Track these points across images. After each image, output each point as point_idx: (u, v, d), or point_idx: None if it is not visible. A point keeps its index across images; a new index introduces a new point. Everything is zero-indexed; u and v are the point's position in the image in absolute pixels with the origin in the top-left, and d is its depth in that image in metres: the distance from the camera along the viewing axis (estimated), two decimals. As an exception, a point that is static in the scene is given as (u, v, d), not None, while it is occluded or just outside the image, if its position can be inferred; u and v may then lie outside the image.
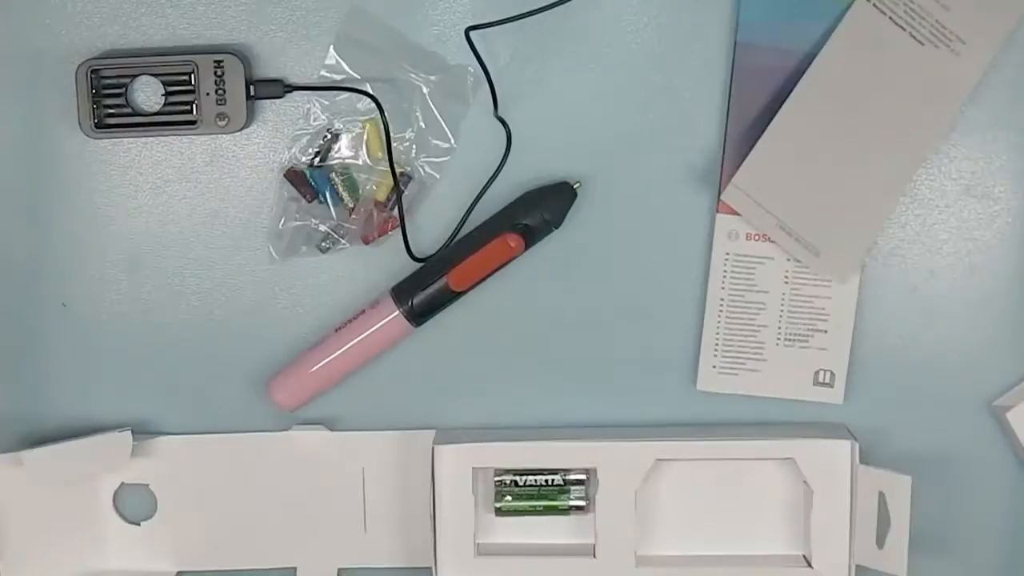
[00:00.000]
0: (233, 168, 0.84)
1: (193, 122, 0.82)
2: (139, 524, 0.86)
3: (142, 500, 0.86)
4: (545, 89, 0.83)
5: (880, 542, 0.80)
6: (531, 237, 0.81)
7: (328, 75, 0.83)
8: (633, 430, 0.84)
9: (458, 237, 0.83)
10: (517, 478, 0.82)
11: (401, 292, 0.82)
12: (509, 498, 0.83)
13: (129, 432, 0.83)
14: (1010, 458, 0.84)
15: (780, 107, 0.80)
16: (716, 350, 0.83)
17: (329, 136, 0.83)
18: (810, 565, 0.82)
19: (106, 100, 0.82)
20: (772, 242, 0.81)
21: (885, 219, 0.81)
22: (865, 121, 0.80)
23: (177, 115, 0.82)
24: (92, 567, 0.85)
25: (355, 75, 0.83)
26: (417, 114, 0.83)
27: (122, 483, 0.85)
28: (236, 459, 0.85)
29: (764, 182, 0.80)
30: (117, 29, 0.83)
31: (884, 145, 0.80)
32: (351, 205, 0.83)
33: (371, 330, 0.82)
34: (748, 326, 0.83)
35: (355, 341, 0.83)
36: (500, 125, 0.83)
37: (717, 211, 0.82)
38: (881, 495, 0.80)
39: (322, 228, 0.84)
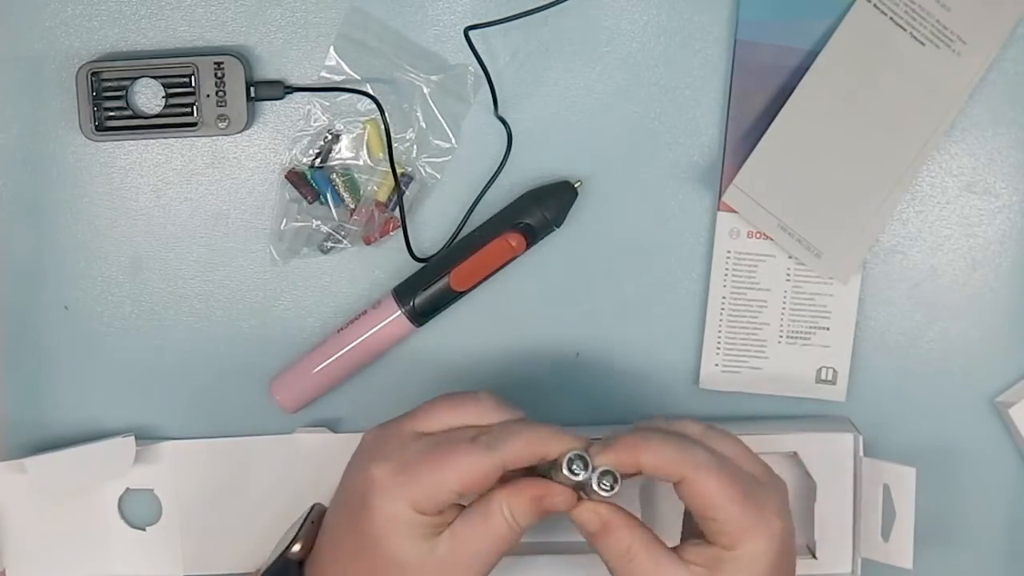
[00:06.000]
0: (234, 170, 0.84)
1: (194, 124, 0.82)
2: (144, 529, 0.85)
3: (147, 505, 0.85)
4: (545, 89, 0.83)
5: (885, 535, 0.81)
6: (532, 236, 0.82)
7: (328, 76, 0.83)
8: (636, 428, 0.84)
9: (459, 237, 0.83)
10: None
11: (403, 292, 0.82)
12: None
13: (132, 438, 0.83)
14: (1013, 453, 0.84)
15: (781, 106, 0.80)
16: (718, 348, 0.83)
17: (330, 137, 0.83)
18: (815, 556, 0.82)
19: (107, 103, 0.82)
20: (773, 240, 0.81)
21: (887, 220, 0.81)
22: (866, 122, 0.80)
23: (178, 117, 0.82)
24: (98, 573, 0.85)
25: (355, 76, 0.83)
26: (418, 114, 0.83)
27: (127, 488, 0.85)
28: (240, 462, 0.84)
29: (765, 183, 0.81)
30: (117, 32, 0.83)
31: (885, 146, 0.80)
32: (352, 206, 0.83)
33: (373, 330, 0.82)
34: (750, 324, 0.83)
35: (357, 342, 0.83)
36: (501, 124, 0.83)
37: (718, 209, 0.82)
38: (886, 487, 0.81)
39: (323, 229, 0.83)
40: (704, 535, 0.68)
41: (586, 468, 0.66)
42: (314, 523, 0.73)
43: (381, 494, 0.66)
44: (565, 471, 0.66)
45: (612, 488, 0.67)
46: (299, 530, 0.73)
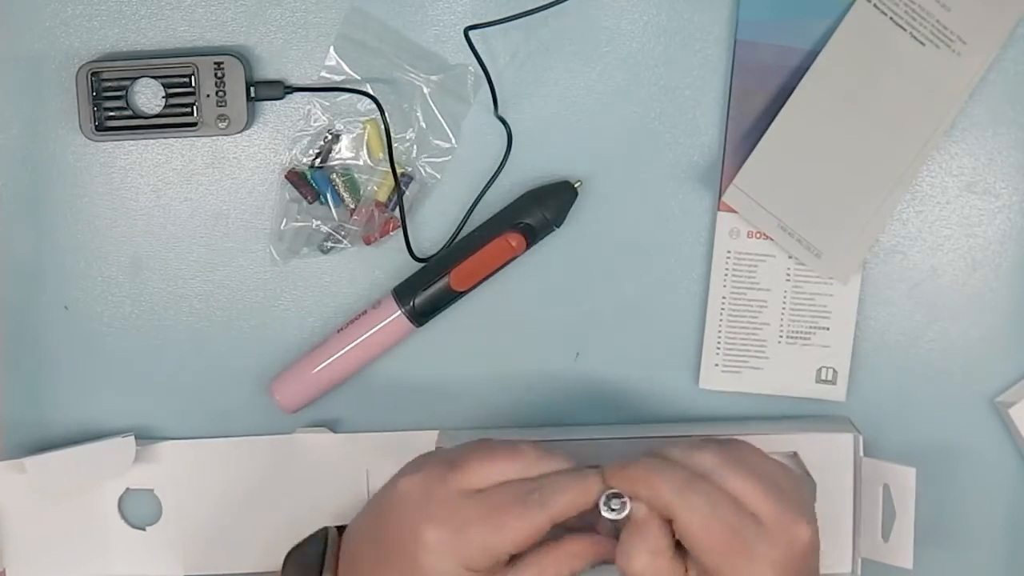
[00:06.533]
0: (234, 170, 0.84)
1: (194, 124, 0.82)
2: (144, 529, 0.85)
3: (147, 505, 0.85)
4: (545, 89, 0.83)
5: (885, 535, 0.81)
6: (532, 236, 0.82)
7: (328, 76, 0.83)
8: (636, 428, 0.84)
9: (459, 237, 0.83)
10: None
11: (403, 292, 0.82)
12: None
13: (132, 438, 0.83)
14: (1013, 453, 0.84)
15: (781, 106, 0.80)
16: (718, 348, 0.83)
17: (330, 137, 0.83)
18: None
19: (107, 103, 0.82)
20: (773, 240, 0.81)
21: (887, 220, 0.81)
22: (866, 122, 0.80)
23: (177, 117, 0.82)
24: (98, 573, 0.85)
25: (355, 76, 0.83)
26: (418, 114, 0.83)
27: (127, 488, 0.85)
28: (240, 462, 0.84)
29: (765, 183, 0.81)
30: (117, 32, 0.83)
31: (885, 146, 0.80)
32: (352, 206, 0.83)
33: (373, 330, 0.82)
34: (750, 324, 0.83)
35: (357, 342, 0.83)
36: (501, 124, 0.83)
37: (718, 209, 0.82)
38: (886, 487, 0.81)
39: (323, 229, 0.83)
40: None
41: (625, 505, 0.67)
42: (334, 554, 0.73)
43: (435, 557, 0.67)
44: (604, 511, 0.67)
45: (620, 511, 0.68)
46: (322, 561, 0.73)
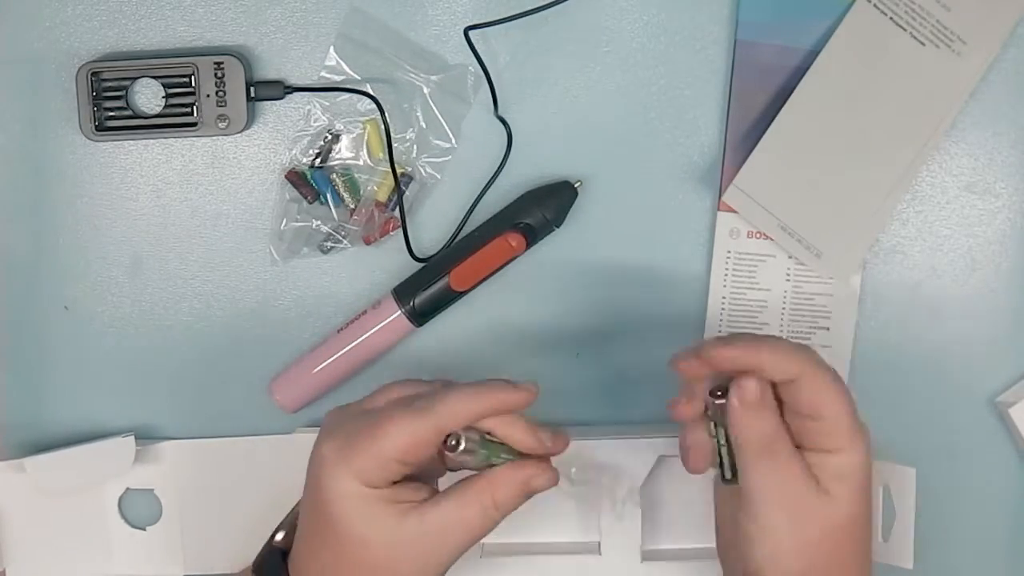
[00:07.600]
0: (234, 170, 0.84)
1: (194, 124, 0.82)
2: (144, 529, 0.85)
3: (147, 505, 0.85)
4: (545, 89, 0.83)
5: (885, 535, 0.81)
6: (532, 236, 0.82)
7: (328, 76, 0.83)
8: (637, 428, 0.84)
9: (459, 237, 0.83)
10: None
11: (403, 292, 0.82)
12: None
13: (132, 438, 0.83)
14: (1013, 453, 0.84)
15: (781, 106, 0.80)
16: (718, 348, 0.83)
17: (330, 137, 0.83)
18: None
19: (107, 103, 0.82)
20: (773, 240, 0.81)
21: (886, 220, 0.82)
22: (865, 122, 0.80)
23: (178, 117, 0.82)
24: (98, 573, 0.85)
25: (355, 76, 0.83)
26: (418, 114, 0.83)
27: (127, 488, 0.85)
28: (240, 462, 0.84)
29: (765, 183, 0.81)
30: (117, 32, 0.83)
31: (885, 146, 0.80)
32: (352, 206, 0.83)
33: (373, 330, 0.82)
34: (750, 324, 0.83)
35: (357, 342, 0.83)
36: (501, 124, 0.83)
37: (718, 209, 0.82)
38: (886, 487, 0.81)
39: (323, 229, 0.84)
40: (803, 441, 0.67)
41: (458, 443, 0.67)
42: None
43: (328, 471, 0.67)
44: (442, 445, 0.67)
45: (457, 448, 0.67)
46: (284, 519, 0.74)
